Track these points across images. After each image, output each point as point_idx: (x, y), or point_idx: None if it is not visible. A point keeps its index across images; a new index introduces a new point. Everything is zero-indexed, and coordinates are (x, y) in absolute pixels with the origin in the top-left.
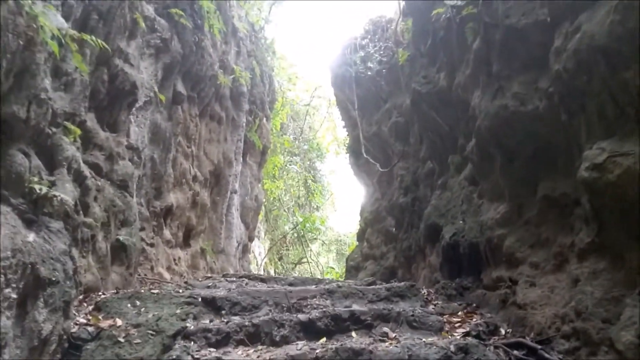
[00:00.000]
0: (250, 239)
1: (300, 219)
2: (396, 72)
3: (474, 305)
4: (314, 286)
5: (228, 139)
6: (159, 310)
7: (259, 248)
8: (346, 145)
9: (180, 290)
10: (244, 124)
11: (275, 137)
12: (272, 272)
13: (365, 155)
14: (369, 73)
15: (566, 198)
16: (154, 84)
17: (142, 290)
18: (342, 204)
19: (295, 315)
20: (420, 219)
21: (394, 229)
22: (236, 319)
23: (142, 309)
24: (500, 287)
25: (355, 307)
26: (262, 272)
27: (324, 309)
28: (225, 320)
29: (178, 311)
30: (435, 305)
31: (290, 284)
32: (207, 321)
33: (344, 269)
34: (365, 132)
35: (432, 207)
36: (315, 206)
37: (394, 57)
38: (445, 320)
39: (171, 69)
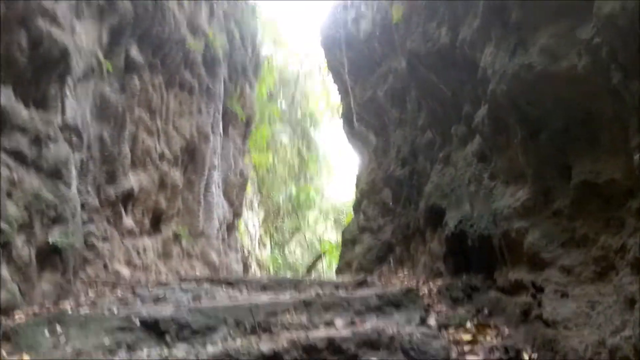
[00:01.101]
0: (237, 216)
1: (294, 191)
2: (390, 32)
3: (486, 312)
4: (287, 295)
5: (203, 110)
6: (83, 340)
7: (253, 220)
8: (340, 111)
9: (115, 310)
10: (222, 93)
11: (263, 105)
12: (267, 244)
13: (356, 123)
14: (361, 34)
15: (615, 186)
16: (97, 49)
17: (70, 311)
18: (339, 172)
19: (256, 345)
20: (420, 194)
21: (390, 203)
22: (182, 349)
23: (63, 338)
24: (520, 293)
25: (338, 322)
26: (257, 245)
27: (296, 335)
28: (165, 354)
29: (108, 341)
30: (438, 313)
31: (263, 288)
32: (145, 354)
33: (341, 242)
34: (358, 98)
35: (433, 186)
36: (310, 177)
37: (388, 15)
38: (451, 339)
39: (120, 32)
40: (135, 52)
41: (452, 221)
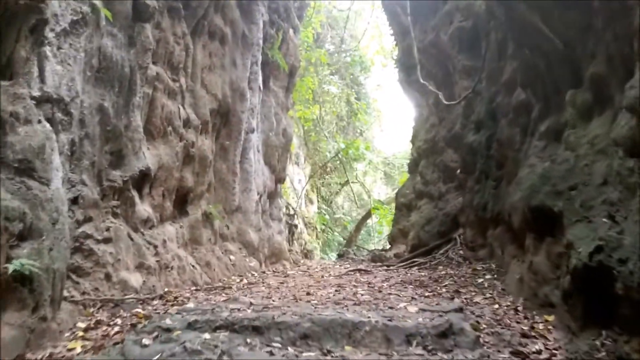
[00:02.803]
0: (280, 181)
1: (343, 145)
2: None
3: None
4: None
5: (238, 62)
6: None
7: (299, 175)
8: (394, 56)
9: None
10: (261, 41)
11: (309, 50)
12: (314, 200)
13: (421, 78)
14: None
15: None
16: None
17: None
18: (391, 122)
19: None
20: (500, 167)
21: (458, 171)
22: None
23: None
24: None
25: None
26: (302, 202)
27: None
28: None
29: None
30: None
31: (303, 337)
32: None
33: (394, 205)
34: (418, 42)
35: (535, 174)
36: (359, 130)
37: None
38: None
39: None
40: None
41: (583, 246)
